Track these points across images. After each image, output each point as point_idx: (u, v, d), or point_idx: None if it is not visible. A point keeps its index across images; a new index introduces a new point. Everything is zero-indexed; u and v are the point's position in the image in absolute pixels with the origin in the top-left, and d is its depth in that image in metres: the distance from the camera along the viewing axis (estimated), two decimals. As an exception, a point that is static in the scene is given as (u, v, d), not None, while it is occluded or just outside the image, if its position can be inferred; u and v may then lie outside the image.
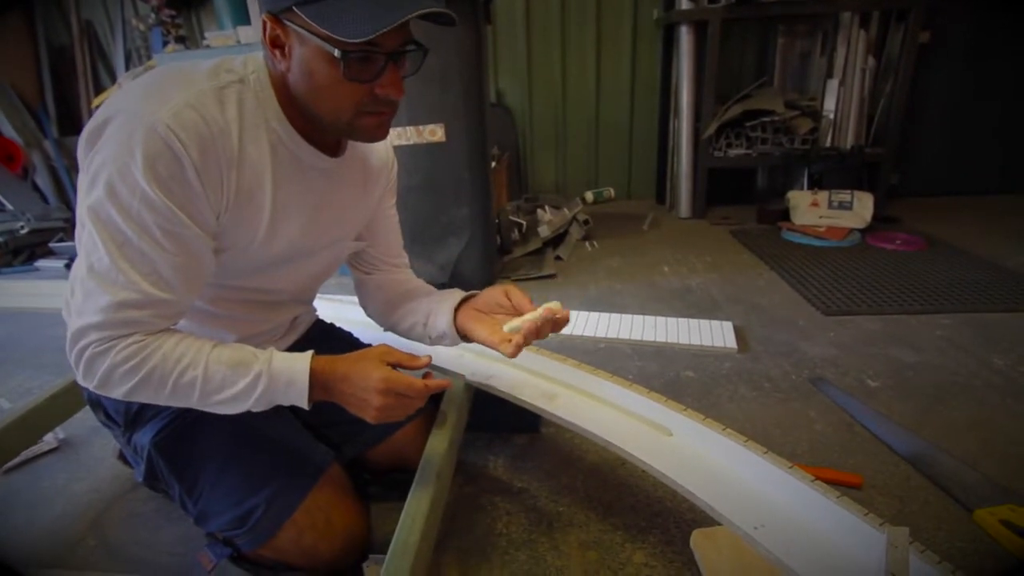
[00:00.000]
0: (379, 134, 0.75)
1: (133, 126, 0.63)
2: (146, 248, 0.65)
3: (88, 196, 0.65)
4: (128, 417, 0.87)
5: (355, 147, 0.86)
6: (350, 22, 0.62)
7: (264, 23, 0.67)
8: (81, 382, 0.70)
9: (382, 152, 0.94)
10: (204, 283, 0.75)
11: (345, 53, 0.64)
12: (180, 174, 0.65)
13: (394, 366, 0.77)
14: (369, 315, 1.06)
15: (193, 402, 0.71)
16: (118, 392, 0.69)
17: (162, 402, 0.71)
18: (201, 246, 0.70)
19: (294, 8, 0.64)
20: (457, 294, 0.92)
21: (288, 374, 0.72)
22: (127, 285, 0.65)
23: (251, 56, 0.74)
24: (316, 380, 0.73)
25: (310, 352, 0.75)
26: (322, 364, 0.75)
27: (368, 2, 0.63)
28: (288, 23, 0.66)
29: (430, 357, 0.83)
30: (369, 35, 0.62)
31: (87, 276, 0.66)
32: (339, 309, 1.38)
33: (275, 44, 0.68)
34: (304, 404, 0.74)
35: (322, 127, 0.74)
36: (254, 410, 0.73)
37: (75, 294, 0.68)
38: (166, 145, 0.63)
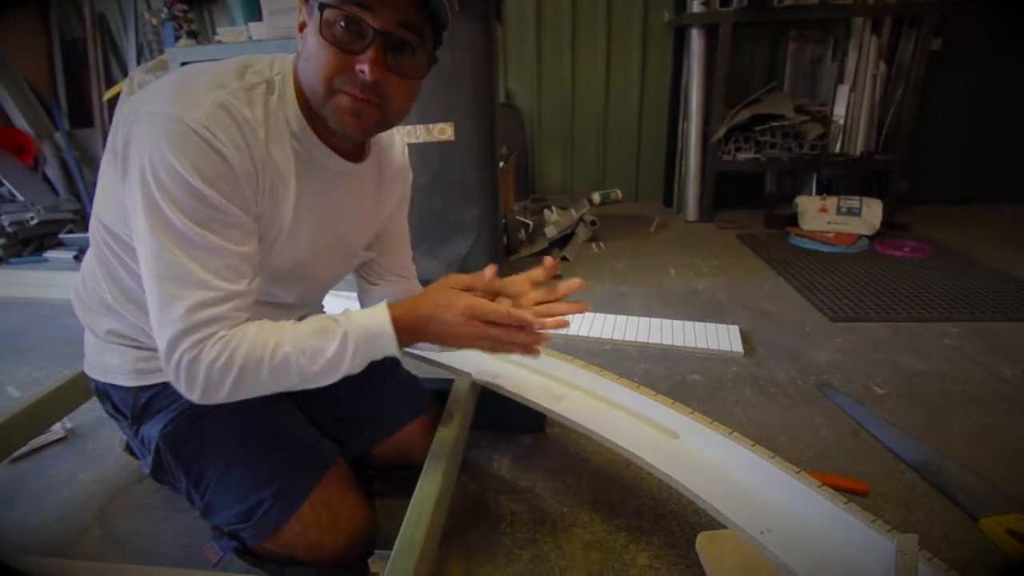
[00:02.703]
0: (352, 122, 0.69)
1: (173, 130, 0.63)
2: (210, 245, 0.66)
3: (141, 204, 0.65)
4: (136, 409, 0.87)
5: (374, 154, 0.86)
6: None
7: (300, 10, 0.69)
8: (189, 396, 0.69)
9: (399, 162, 0.93)
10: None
11: (323, 6, 0.64)
12: (226, 170, 0.65)
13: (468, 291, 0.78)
14: None
15: (293, 379, 0.71)
16: (224, 392, 0.68)
17: (265, 390, 0.71)
18: (254, 236, 0.72)
19: None
20: None
21: (373, 327, 0.73)
22: (200, 284, 0.66)
23: (279, 56, 0.74)
24: (400, 326, 0.74)
25: (384, 303, 0.76)
26: (401, 311, 0.75)
27: None
28: (310, 1, 0.67)
29: (496, 268, 0.82)
30: None
31: (158, 286, 0.66)
32: (347, 306, 1.39)
33: (301, 28, 0.69)
34: (396, 352, 0.75)
35: (316, 110, 0.71)
36: (351, 373, 0.74)
37: (151, 307, 0.68)
38: (208, 145, 0.64)
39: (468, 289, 0.79)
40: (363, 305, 1.06)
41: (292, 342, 0.70)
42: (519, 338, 0.77)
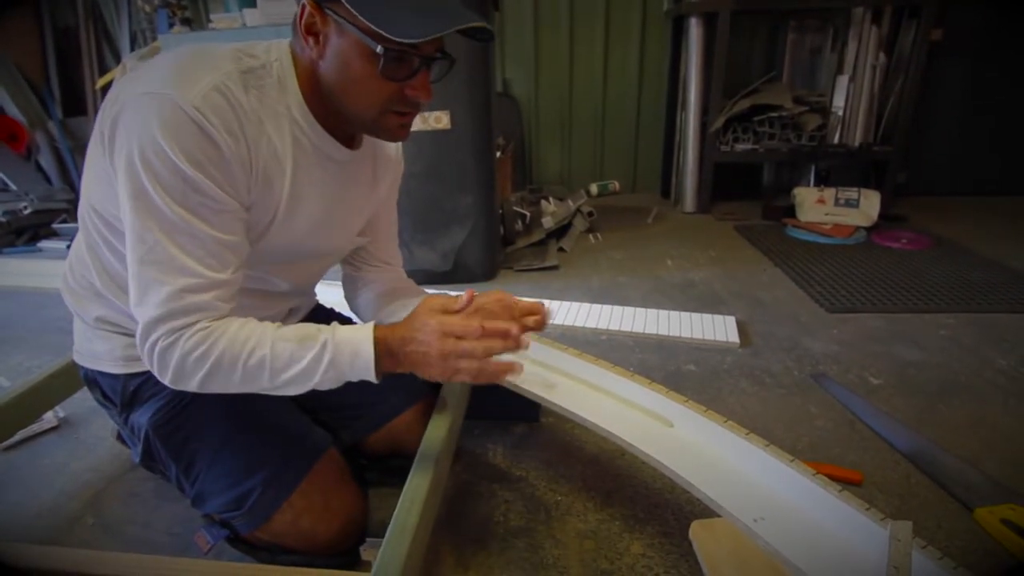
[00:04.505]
0: (401, 135, 0.76)
1: (165, 111, 0.62)
2: (195, 231, 0.65)
3: (127, 186, 0.64)
4: (125, 397, 0.86)
5: (368, 141, 0.86)
6: (401, 22, 0.63)
7: (303, 8, 0.67)
8: (159, 377, 0.69)
9: (392, 148, 0.94)
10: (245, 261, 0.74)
11: (387, 50, 0.65)
12: (217, 156, 0.65)
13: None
14: (353, 309, 1.05)
15: (264, 383, 0.70)
16: (193, 383, 0.68)
17: (234, 389, 0.70)
18: (242, 224, 0.71)
19: None
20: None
21: (352, 344, 0.71)
22: (183, 270, 0.65)
23: (275, 43, 0.74)
24: (381, 349, 0.72)
25: (371, 323, 0.74)
26: (384, 332, 0.73)
27: (418, 6, 0.65)
28: (329, 12, 0.66)
29: (472, 292, 0.80)
30: (419, 38, 0.63)
31: (139, 269, 0.65)
32: (340, 295, 1.38)
33: (310, 31, 0.68)
34: (373, 377, 0.72)
35: (346, 120, 0.75)
36: (322, 388, 0.72)
37: (131, 290, 0.67)
38: (200, 129, 0.63)
39: (447, 311, 0.77)
40: (347, 293, 1.06)
41: (271, 345, 0.69)
42: (478, 351, 0.72)
